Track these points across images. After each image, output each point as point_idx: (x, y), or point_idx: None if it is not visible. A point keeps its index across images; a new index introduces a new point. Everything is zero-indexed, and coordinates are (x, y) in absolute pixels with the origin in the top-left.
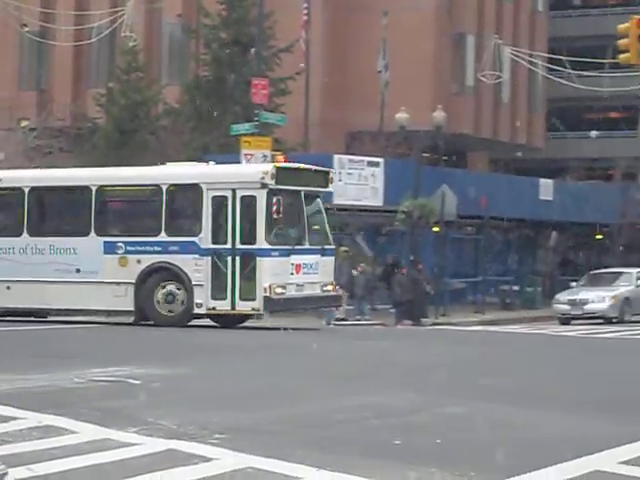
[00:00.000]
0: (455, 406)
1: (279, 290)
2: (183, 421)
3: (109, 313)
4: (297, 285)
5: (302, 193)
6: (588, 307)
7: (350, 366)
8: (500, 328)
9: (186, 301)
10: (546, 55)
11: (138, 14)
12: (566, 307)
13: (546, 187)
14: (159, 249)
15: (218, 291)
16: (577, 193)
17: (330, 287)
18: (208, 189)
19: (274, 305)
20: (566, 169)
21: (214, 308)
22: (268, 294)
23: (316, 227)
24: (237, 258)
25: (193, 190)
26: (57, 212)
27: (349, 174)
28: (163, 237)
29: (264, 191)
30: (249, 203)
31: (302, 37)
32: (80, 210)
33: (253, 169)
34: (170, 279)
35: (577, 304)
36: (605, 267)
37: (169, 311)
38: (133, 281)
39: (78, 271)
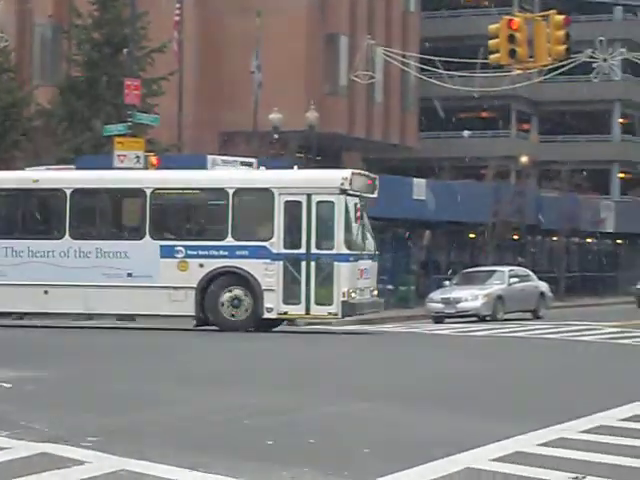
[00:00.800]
0: (329, 406)
1: (353, 295)
2: (56, 424)
3: (91, 316)
4: (360, 290)
5: (364, 199)
6: (461, 305)
7: (227, 367)
8: (375, 327)
9: (253, 306)
10: (418, 55)
11: (9, 14)
12: (439, 306)
13: (419, 187)
14: (225, 253)
15: (291, 296)
16: (450, 192)
17: (376, 292)
18: (280, 194)
19: (350, 310)
20: (439, 168)
21: (286, 313)
22: (346, 299)
23: (369, 232)
24: (312, 263)
25: (264, 195)
26: (104, 215)
27: None
28: (230, 241)
29: (343, 197)
30: (326, 208)
31: (174, 38)
32: (132, 213)
33: (332, 175)
34: (236, 284)
35: (451, 302)
36: (478, 266)
37: (234, 315)
38: (194, 285)
39: (130, 275)
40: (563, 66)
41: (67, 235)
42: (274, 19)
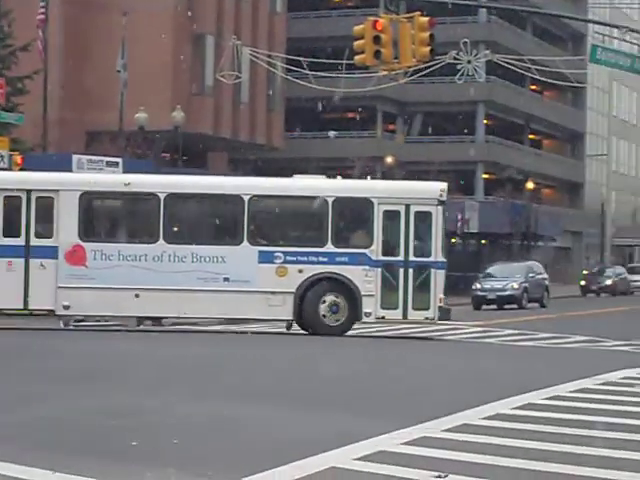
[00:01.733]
0: (193, 406)
1: (444, 300)
2: None
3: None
4: None
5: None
6: None
7: (92, 367)
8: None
9: (352, 311)
10: (284, 56)
11: None
12: None
13: None
14: (325, 260)
15: (389, 301)
16: None
17: None
18: (379, 203)
19: (445, 314)
20: (305, 169)
21: (383, 317)
22: (441, 304)
23: None
24: (410, 270)
25: (363, 204)
26: (200, 220)
27: None
28: (330, 248)
29: (441, 207)
30: (424, 218)
31: (39, 36)
32: (229, 219)
33: (430, 186)
34: (335, 289)
35: None
36: None
37: (333, 320)
38: (293, 291)
39: (226, 280)
40: (428, 67)
41: (161, 239)
42: (141, 18)
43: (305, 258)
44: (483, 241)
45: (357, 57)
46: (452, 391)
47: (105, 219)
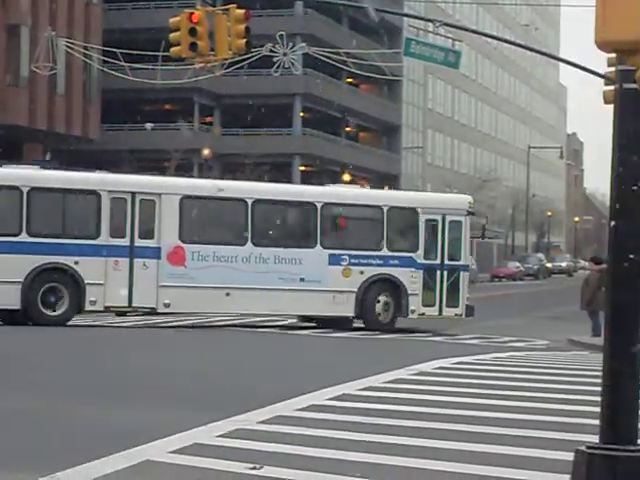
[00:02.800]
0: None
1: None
2: None
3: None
4: None
5: None
6: None
7: None
8: None
9: (400, 308)
10: (100, 47)
11: None
12: None
13: None
14: (381, 262)
15: (428, 299)
16: None
17: None
18: (423, 213)
19: (470, 312)
20: (121, 161)
21: (423, 314)
22: (468, 302)
23: None
24: (445, 272)
25: (411, 213)
26: (281, 224)
27: None
28: (385, 252)
29: (468, 217)
30: (455, 226)
31: None
32: (305, 224)
33: (460, 199)
34: (387, 289)
35: None
36: None
37: (385, 318)
38: (355, 290)
39: (302, 280)
40: (244, 60)
41: (249, 242)
42: None
43: (365, 261)
44: None
45: (173, 49)
46: (267, 383)
47: (201, 222)
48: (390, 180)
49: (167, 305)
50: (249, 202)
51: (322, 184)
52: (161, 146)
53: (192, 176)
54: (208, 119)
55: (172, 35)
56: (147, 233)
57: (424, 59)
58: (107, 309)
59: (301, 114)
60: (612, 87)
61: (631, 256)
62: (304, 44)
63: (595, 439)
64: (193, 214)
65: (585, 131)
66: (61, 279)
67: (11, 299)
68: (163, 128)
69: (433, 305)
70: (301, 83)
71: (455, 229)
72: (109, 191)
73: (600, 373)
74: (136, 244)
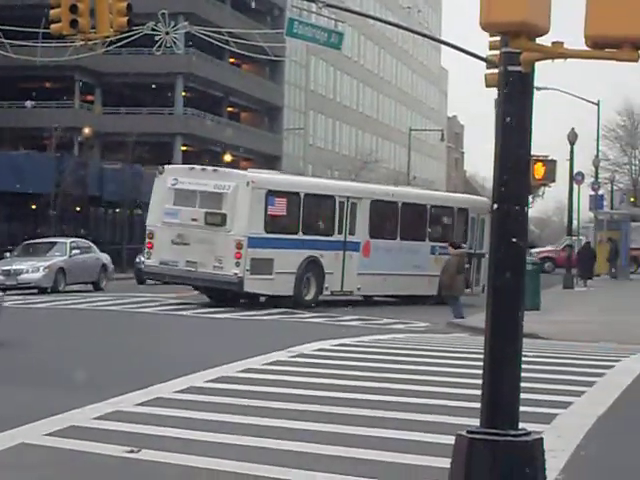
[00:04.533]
0: None
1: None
2: None
3: None
4: None
5: None
6: (22, 277)
7: None
8: None
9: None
10: None
11: None
12: (1, 278)
13: None
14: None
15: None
16: (11, 163)
17: None
18: (470, 212)
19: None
20: (0, 138)
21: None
22: (485, 283)
23: None
24: (480, 259)
25: (466, 212)
26: (414, 221)
27: None
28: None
29: (490, 215)
30: (483, 222)
31: None
32: (421, 221)
33: (486, 200)
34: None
35: (11, 274)
36: (41, 237)
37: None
38: (438, 274)
39: (417, 267)
40: (126, 38)
41: (398, 237)
42: None
43: (444, 251)
44: None
45: (53, 26)
46: (152, 365)
47: (380, 221)
48: (272, 161)
49: (359, 289)
50: (399, 204)
51: (203, 164)
52: (42, 124)
53: (72, 155)
54: (89, 97)
55: (52, 11)
56: (352, 230)
57: (307, 40)
58: (332, 294)
59: (183, 94)
60: (493, 70)
61: (514, 239)
62: (186, 23)
63: (477, 423)
64: (376, 214)
65: (466, 114)
66: (313, 270)
67: (288, 287)
68: (44, 106)
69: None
70: (183, 62)
71: (482, 224)
72: (339, 195)
73: (481, 356)
74: (347, 239)
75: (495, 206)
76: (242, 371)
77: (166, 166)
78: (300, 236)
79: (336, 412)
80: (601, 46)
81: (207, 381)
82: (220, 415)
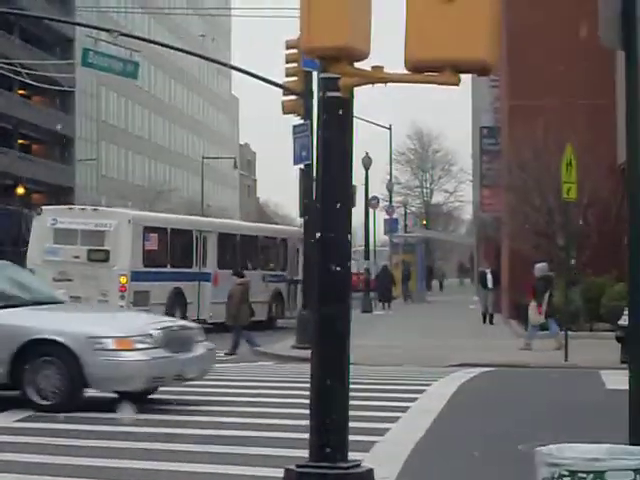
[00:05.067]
0: None
1: None
2: None
3: None
4: None
5: None
6: None
7: None
8: None
9: None
10: None
11: None
12: None
13: None
14: None
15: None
16: None
17: None
18: (289, 241)
19: None
20: None
21: None
22: None
23: None
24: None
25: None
26: None
27: None
28: None
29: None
30: (298, 252)
31: None
32: None
33: (298, 229)
34: None
35: None
36: None
37: None
38: None
39: None
40: None
41: None
42: None
43: (272, 279)
44: None
45: None
46: None
47: (224, 253)
48: (65, 193)
49: (211, 317)
50: (237, 236)
51: None
52: None
53: None
54: None
55: None
56: (204, 262)
57: (102, 70)
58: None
59: None
60: (291, 97)
61: (337, 268)
62: None
63: (306, 454)
64: (221, 246)
65: (257, 141)
66: (179, 300)
67: None
68: None
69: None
70: None
71: (298, 253)
72: (195, 229)
73: (293, 384)
74: (202, 270)
75: (318, 234)
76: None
77: (44, 207)
78: (168, 269)
79: (149, 448)
80: (421, 70)
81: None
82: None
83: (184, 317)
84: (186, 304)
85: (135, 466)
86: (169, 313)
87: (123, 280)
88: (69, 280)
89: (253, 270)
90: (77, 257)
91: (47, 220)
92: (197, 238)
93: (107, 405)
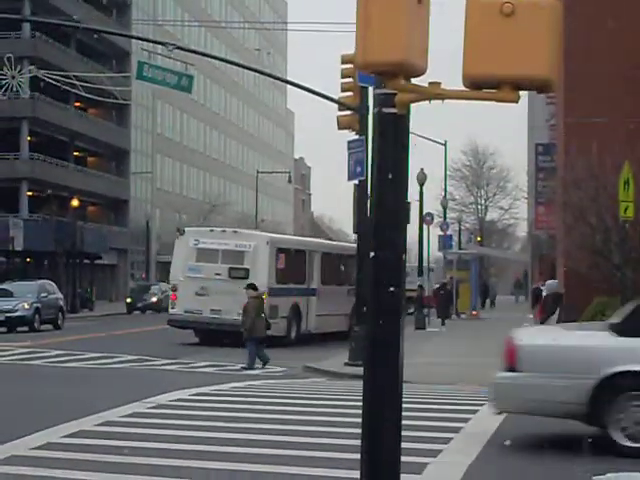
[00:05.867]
0: None
1: None
2: None
3: None
4: None
5: None
6: None
7: None
8: None
9: None
10: None
11: None
12: None
13: None
14: None
15: None
16: None
17: None
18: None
19: None
20: None
21: None
22: None
23: None
24: None
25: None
26: None
27: None
28: None
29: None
30: None
31: None
32: None
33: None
34: None
35: None
36: None
37: None
38: None
39: None
40: None
41: None
42: None
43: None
44: (28, 259)
45: None
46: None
47: (328, 270)
48: (119, 205)
49: (315, 328)
50: (332, 254)
51: (51, 209)
52: None
53: None
54: None
55: None
56: (311, 278)
57: (157, 83)
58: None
59: (28, 138)
60: (346, 112)
61: (391, 288)
62: (33, 67)
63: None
64: (325, 264)
65: (312, 156)
66: (296, 313)
67: (281, 328)
68: None
69: None
70: (28, 106)
71: None
72: (308, 250)
73: (344, 402)
74: (310, 286)
75: (372, 254)
76: (100, 424)
77: (186, 228)
78: (291, 285)
79: (194, 466)
80: (479, 86)
81: (64, 436)
82: (81, 473)
83: (299, 329)
84: (300, 317)
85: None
86: (289, 326)
87: (263, 296)
88: (209, 295)
89: (340, 285)
90: (218, 274)
91: (190, 240)
92: (308, 257)
93: None
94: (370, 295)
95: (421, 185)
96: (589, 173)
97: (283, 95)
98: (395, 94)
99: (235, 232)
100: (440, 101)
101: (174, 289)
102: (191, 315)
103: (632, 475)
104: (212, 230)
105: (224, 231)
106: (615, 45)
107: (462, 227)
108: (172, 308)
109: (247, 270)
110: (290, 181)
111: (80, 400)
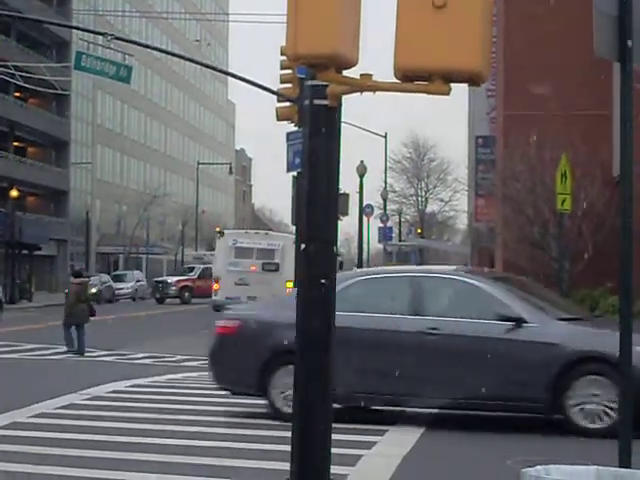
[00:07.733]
0: None
1: None
2: None
3: None
4: None
5: None
6: None
7: None
8: None
9: None
10: None
11: None
12: None
13: None
14: None
15: None
16: None
17: None
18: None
19: None
20: None
21: None
22: None
23: None
24: None
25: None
26: None
27: None
28: None
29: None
30: None
31: None
32: None
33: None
34: None
35: None
36: None
37: None
38: None
39: None
40: None
41: None
42: None
43: None
44: None
45: None
46: None
47: None
48: (58, 196)
49: None
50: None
51: None
52: None
53: None
54: None
55: None
56: None
57: (95, 73)
58: None
59: None
60: (285, 104)
61: (322, 281)
62: None
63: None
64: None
65: (253, 147)
66: None
67: None
68: None
69: None
70: None
71: None
72: None
73: None
74: None
75: (303, 246)
76: (34, 416)
77: (226, 230)
78: None
79: (123, 458)
80: (411, 78)
81: None
82: (11, 465)
83: None
84: None
85: (114, 477)
86: None
87: (289, 284)
88: (246, 285)
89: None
90: (254, 268)
91: (229, 240)
92: None
93: None
94: (302, 287)
95: (361, 177)
96: (527, 166)
97: (224, 86)
98: (327, 86)
99: (266, 234)
100: (372, 93)
101: (217, 280)
102: (231, 301)
103: (561, 467)
104: (247, 232)
105: (257, 233)
106: (555, 38)
107: (402, 219)
108: (216, 295)
109: (277, 264)
110: (231, 172)
111: (14, 391)
